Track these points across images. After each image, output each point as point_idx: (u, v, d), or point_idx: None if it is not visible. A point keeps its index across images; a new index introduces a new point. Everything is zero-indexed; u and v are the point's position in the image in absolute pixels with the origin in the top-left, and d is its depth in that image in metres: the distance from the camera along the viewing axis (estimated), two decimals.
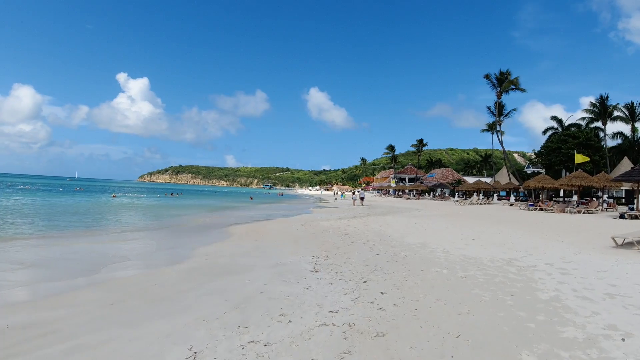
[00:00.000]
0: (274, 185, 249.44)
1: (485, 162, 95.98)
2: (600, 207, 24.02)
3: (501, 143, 48.70)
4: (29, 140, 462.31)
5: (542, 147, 41.57)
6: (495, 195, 46.44)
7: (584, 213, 23.19)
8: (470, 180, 70.12)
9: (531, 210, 26.99)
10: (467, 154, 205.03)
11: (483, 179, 52.93)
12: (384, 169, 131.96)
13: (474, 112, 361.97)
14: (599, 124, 48.95)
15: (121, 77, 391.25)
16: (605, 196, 28.32)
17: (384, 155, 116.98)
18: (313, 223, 17.83)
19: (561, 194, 35.06)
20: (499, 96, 46.23)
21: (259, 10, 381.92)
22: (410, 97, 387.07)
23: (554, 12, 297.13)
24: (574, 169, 34.04)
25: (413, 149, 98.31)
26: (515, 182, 50.88)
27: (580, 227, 15.84)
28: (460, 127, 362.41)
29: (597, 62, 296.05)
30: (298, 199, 64.42)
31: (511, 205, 33.87)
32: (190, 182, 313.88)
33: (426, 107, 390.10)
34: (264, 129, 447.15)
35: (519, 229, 15.35)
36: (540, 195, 35.95)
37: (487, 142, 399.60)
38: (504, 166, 71.68)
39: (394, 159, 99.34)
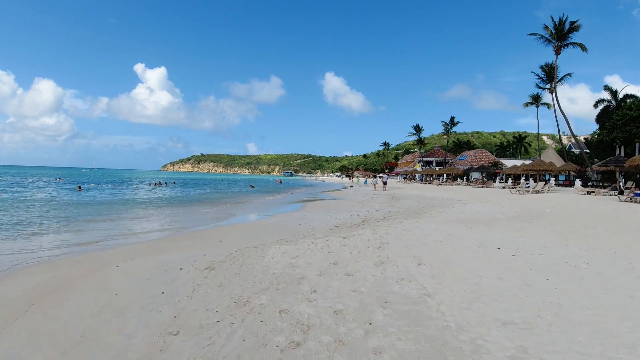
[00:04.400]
0: (295, 172, 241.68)
1: (519, 144, 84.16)
2: None
3: (560, 114, 38.08)
4: (54, 133, 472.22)
5: (618, 115, 31.10)
6: (553, 180, 36.11)
7: None
8: (508, 163, 59.49)
9: None
10: (494, 137, 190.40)
11: (528, 161, 42.45)
12: (408, 152, 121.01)
13: (495, 93, 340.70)
14: None
15: (139, 67, 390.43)
16: None
17: (408, 138, 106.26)
18: (254, 252, 8.11)
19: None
20: (557, 51, 35.29)
21: None
22: (427, 79, 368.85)
23: None
24: None
25: (437, 131, 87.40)
26: (571, 163, 40.37)
27: None
28: (482, 109, 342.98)
29: (621, 41, 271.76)
30: (302, 187, 55.34)
31: (589, 193, 23.96)
32: (212, 171, 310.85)
33: (444, 89, 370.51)
34: (281, 116, 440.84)
35: None
36: (620, 181, 25.97)
37: (514, 126, 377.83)
38: (549, 147, 60.62)
39: (420, 140, 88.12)
